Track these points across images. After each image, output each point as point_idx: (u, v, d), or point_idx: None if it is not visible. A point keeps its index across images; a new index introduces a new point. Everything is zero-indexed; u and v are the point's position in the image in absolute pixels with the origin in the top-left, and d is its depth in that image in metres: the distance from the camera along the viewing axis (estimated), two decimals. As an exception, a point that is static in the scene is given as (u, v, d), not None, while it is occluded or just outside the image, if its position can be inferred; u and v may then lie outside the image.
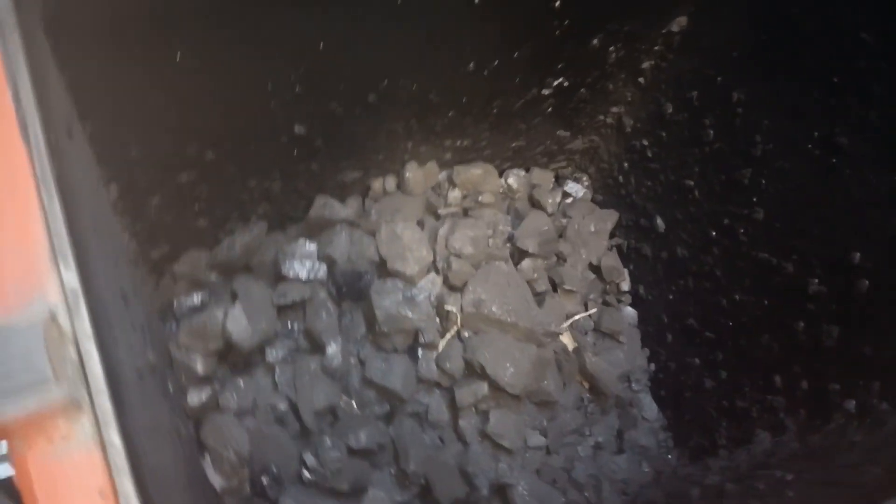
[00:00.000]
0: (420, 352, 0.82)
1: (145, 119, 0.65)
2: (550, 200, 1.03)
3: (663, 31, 0.87)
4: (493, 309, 0.83)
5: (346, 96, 0.74)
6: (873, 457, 0.63)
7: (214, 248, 0.88)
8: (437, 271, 0.86)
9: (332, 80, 0.71)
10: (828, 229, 0.74)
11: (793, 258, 0.79)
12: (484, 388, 0.81)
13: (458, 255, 0.86)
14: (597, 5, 0.77)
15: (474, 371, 0.82)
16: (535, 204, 1.04)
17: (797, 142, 0.75)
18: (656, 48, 0.90)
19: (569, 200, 1.09)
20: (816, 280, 0.76)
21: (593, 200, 1.11)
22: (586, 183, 1.11)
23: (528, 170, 1.07)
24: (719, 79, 0.83)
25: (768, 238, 0.82)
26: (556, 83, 0.89)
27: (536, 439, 0.88)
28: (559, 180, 1.11)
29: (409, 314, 0.79)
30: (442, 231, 0.87)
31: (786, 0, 0.75)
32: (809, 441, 0.78)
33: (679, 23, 0.86)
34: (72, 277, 0.36)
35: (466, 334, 0.85)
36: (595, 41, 0.83)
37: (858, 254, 0.71)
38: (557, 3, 0.74)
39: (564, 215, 1.05)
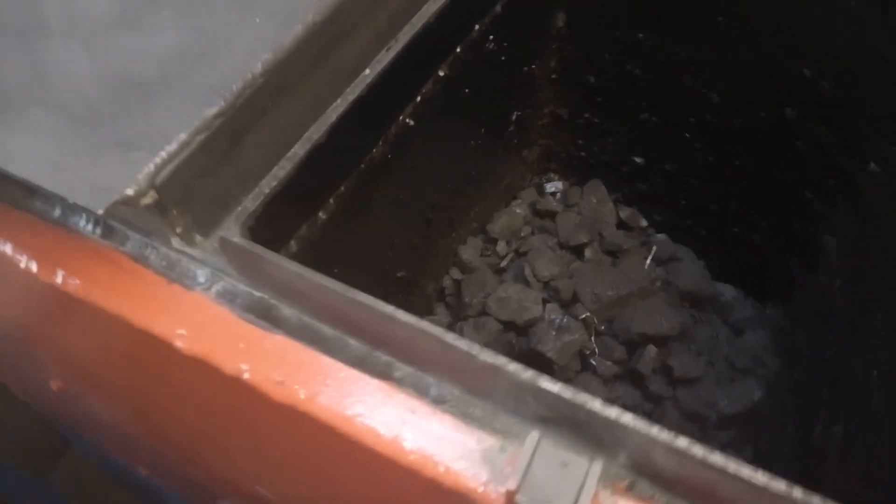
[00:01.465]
0: (591, 361, 0.94)
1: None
2: (554, 203, 1.19)
3: (552, 31, 1.06)
4: (609, 293, 0.96)
5: (428, 233, 0.86)
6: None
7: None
8: (548, 300, 0.98)
9: (416, 227, 0.83)
10: (776, 71, 0.95)
11: (763, 108, 0.99)
12: (653, 349, 0.94)
13: (553, 278, 0.99)
14: (520, 47, 0.94)
15: (636, 343, 0.94)
16: (544, 215, 1.19)
17: (712, 35, 0.96)
18: (554, 46, 1.08)
19: (558, 196, 1.25)
20: (789, 107, 0.96)
21: (572, 185, 1.27)
22: (556, 178, 1.28)
23: (515, 196, 1.22)
24: (617, 33, 1.03)
25: (733, 108, 1.02)
26: (514, 117, 1.05)
27: (702, 358, 1.02)
28: (538, 188, 1.27)
29: (572, 336, 0.90)
30: (527, 272, 1.00)
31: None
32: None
33: (561, 18, 1.05)
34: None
35: (602, 327, 0.97)
36: (525, 69, 1.00)
37: (806, 70, 0.92)
38: (503, 57, 0.90)
39: (568, 206, 1.20)
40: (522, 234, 1.09)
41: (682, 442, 0.41)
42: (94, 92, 0.54)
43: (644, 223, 1.23)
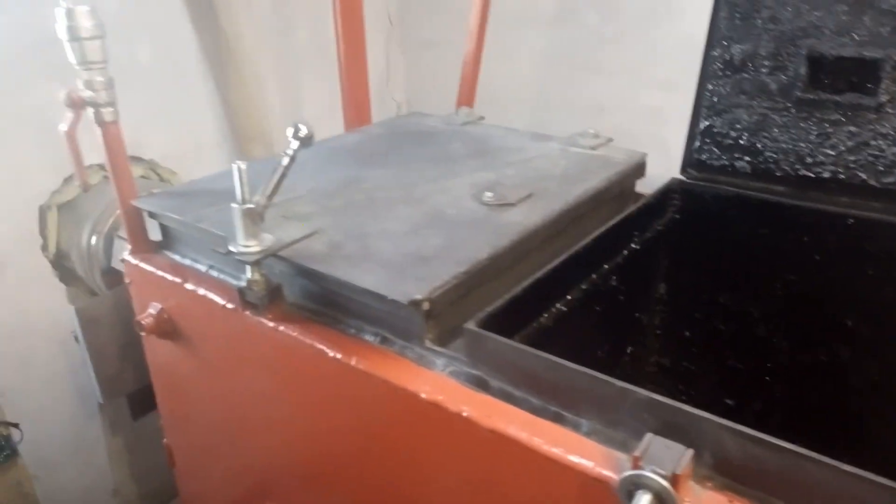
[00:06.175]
0: None
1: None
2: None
3: (656, 295, 1.47)
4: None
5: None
6: None
7: None
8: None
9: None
10: (826, 320, 1.28)
11: (821, 349, 1.30)
12: None
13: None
14: (633, 296, 1.35)
15: None
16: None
17: (774, 296, 1.33)
18: (658, 307, 1.48)
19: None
20: (842, 346, 1.27)
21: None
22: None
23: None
24: (704, 297, 1.42)
25: (799, 351, 1.33)
26: (628, 350, 1.40)
27: None
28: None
29: None
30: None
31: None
32: None
33: (663, 287, 1.46)
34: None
35: None
36: (636, 314, 1.40)
37: (848, 320, 1.25)
38: (621, 297, 1.30)
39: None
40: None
41: (742, 427, 0.70)
42: (399, 259, 0.98)
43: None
